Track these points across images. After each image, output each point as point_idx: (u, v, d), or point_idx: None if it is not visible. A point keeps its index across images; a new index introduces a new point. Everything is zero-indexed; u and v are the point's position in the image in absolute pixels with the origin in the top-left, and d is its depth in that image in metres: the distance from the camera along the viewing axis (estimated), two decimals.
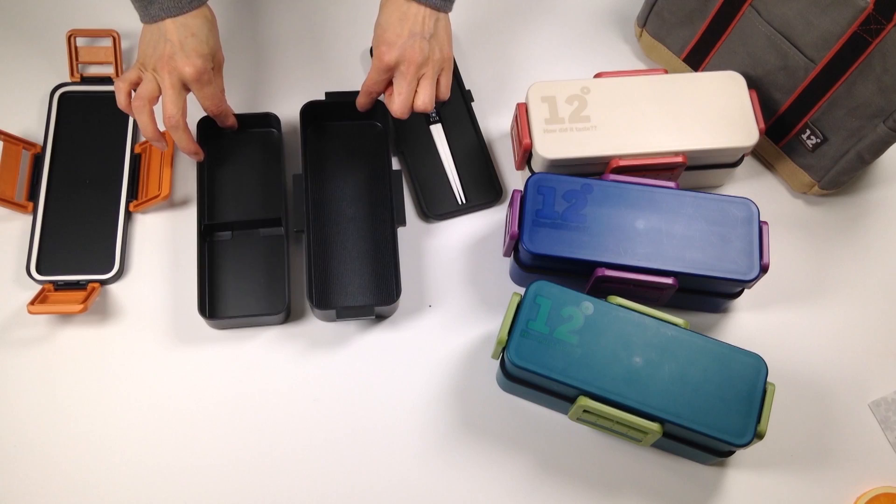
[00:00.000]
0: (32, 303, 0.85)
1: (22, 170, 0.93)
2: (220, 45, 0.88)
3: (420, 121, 0.97)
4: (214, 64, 0.87)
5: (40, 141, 0.95)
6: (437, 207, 0.94)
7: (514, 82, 1.02)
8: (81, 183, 0.94)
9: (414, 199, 0.95)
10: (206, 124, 0.95)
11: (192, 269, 0.90)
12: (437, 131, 0.97)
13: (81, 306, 0.84)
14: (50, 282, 0.88)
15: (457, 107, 0.99)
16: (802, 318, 0.92)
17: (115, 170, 0.94)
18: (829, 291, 0.94)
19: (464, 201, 0.94)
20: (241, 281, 0.91)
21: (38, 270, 0.89)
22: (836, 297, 0.94)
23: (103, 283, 0.90)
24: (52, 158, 0.94)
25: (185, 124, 0.86)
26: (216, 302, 0.90)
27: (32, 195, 0.93)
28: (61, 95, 0.97)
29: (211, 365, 0.87)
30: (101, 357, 0.87)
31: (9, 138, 0.92)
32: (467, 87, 1.00)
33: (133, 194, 0.94)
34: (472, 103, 0.99)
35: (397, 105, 0.86)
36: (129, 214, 0.93)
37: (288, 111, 0.98)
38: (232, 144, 0.97)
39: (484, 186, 0.95)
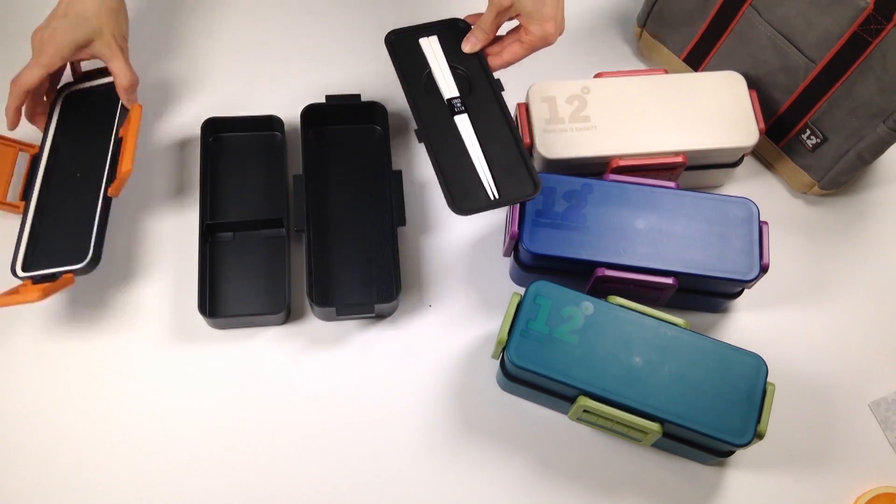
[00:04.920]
0: None
1: (19, 171, 0.92)
2: (111, 30, 0.86)
3: (444, 111, 0.86)
4: (95, 49, 0.85)
5: (39, 142, 0.95)
6: (466, 202, 0.81)
7: (514, 82, 1.02)
8: (73, 178, 0.92)
9: (443, 191, 0.83)
10: (209, 125, 0.95)
11: (193, 268, 0.90)
12: (463, 122, 0.85)
13: (38, 294, 0.80)
14: (29, 277, 0.86)
15: (484, 97, 0.87)
16: (802, 318, 0.92)
17: (102, 159, 0.91)
18: (829, 291, 0.94)
19: (496, 196, 0.82)
20: (242, 281, 0.91)
21: (24, 268, 0.86)
22: (836, 297, 0.94)
23: (77, 272, 0.85)
24: (49, 157, 0.93)
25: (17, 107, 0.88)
26: (217, 301, 0.90)
27: (26, 195, 0.91)
28: (65, 97, 0.96)
29: (211, 364, 0.88)
30: (102, 356, 0.87)
31: (3, 141, 0.91)
32: (496, 77, 0.89)
33: (112, 179, 0.90)
34: (503, 93, 0.87)
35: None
36: (107, 200, 0.89)
37: (291, 114, 0.98)
38: (235, 146, 0.97)
39: (518, 181, 0.83)
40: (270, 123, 0.97)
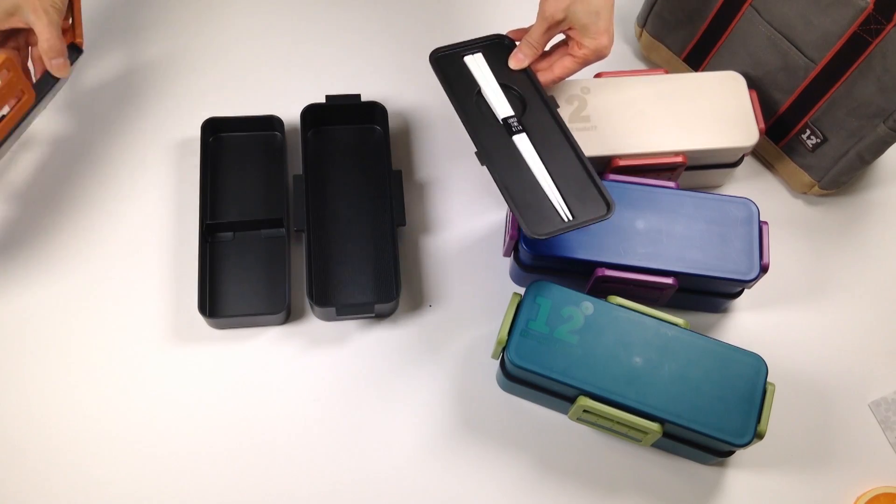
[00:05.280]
0: None
1: None
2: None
3: (500, 132, 0.83)
4: (23, 16, 0.80)
5: None
6: (543, 226, 0.79)
7: None
8: None
9: (516, 215, 0.80)
10: (209, 125, 0.95)
11: (192, 268, 0.90)
12: (523, 142, 0.82)
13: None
14: None
15: (540, 115, 0.84)
16: (802, 318, 0.92)
17: None
18: (829, 291, 0.94)
19: (570, 217, 0.79)
20: (242, 281, 0.91)
21: None
22: (836, 297, 0.94)
23: None
24: None
25: None
26: (217, 301, 0.90)
27: None
28: None
29: (211, 364, 0.88)
30: (101, 355, 0.87)
31: None
32: (549, 94, 0.87)
33: None
34: (558, 109, 0.85)
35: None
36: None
37: (291, 114, 0.98)
38: (235, 146, 0.97)
39: (590, 201, 0.80)
40: (270, 123, 0.97)
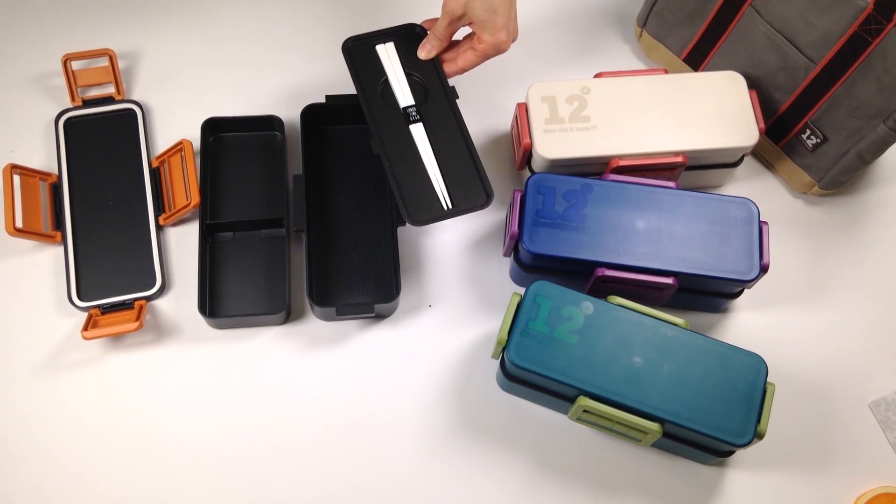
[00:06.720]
0: (85, 328, 0.84)
1: (42, 201, 0.92)
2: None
3: (399, 120, 0.87)
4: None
5: (54, 170, 0.94)
6: (420, 213, 0.83)
7: (514, 82, 1.02)
8: (103, 205, 0.93)
9: (398, 202, 0.85)
10: (209, 125, 0.95)
11: (192, 268, 0.90)
12: (418, 131, 0.87)
13: (137, 324, 0.84)
14: (95, 306, 0.88)
15: (439, 105, 0.88)
16: (802, 318, 0.92)
17: (135, 187, 0.93)
18: (829, 291, 0.94)
19: (450, 206, 0.84)
20: (242, 281, 0.91)
21: (80, 297, 0.88)
22: (835, 297, 0.94)
23: (148, 299, 0.89)
24: (69, 185, 0.93)
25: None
26: (217, 301, 0.90)
27: (58, 224, 0.91)
28: (66, 122, 0.96)
29: (211, 364, 0.88)
30: (100, 355, 0.87)
31: (24, 171, 0.91)
32: (451, 84, 0.89)
33: (159, 208, 0.93)
34: (457, 100, 0.88)
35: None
36: (160, 228, 0.92)
37: (291, 114, 0.98)
38: (235, 146, 0.97)
39: (472, 190, 0.85)
40: (270, 123, 0.97)
